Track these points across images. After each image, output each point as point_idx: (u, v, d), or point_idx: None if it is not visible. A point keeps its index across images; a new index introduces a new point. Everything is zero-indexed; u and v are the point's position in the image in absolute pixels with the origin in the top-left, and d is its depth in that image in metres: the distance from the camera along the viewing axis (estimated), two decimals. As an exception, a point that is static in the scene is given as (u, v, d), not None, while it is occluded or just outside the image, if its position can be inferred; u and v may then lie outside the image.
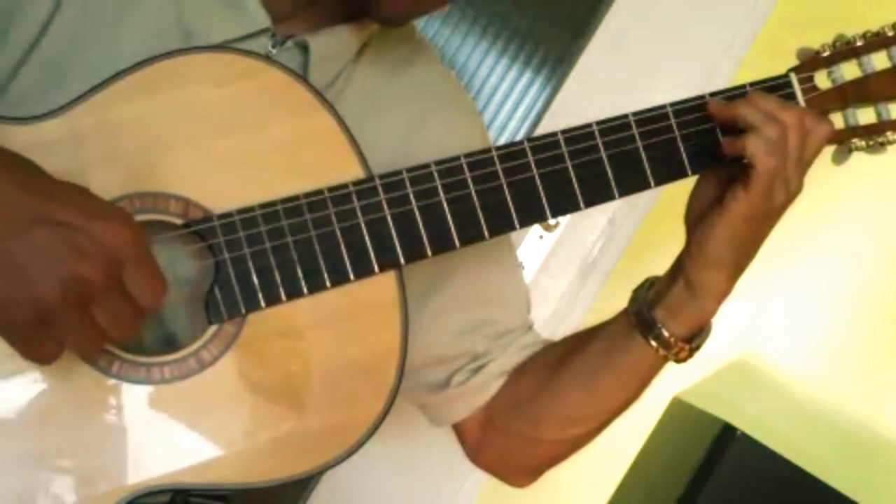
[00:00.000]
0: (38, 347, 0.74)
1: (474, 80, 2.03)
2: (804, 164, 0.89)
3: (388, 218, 0.86)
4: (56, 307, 0.71)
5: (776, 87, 0.92)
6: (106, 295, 0.73)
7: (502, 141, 1.97)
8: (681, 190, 0.95)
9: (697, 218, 0.92)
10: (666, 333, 0.93)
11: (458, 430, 1.08)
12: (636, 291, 0.98)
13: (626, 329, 0.96)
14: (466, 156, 0.88)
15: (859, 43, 0.91)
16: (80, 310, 0.72)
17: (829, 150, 0.93)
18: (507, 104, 2.03)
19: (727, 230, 0.89)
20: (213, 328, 0.84)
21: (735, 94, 0.91)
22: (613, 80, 1.74)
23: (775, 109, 0.87)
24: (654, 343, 0.94)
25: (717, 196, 0.90)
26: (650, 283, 0.97)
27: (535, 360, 1.05)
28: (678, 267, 0.93)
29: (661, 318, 0.94)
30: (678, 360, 0.96)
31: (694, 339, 0.94)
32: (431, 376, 1.05)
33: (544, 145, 0.89)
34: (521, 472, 1.08)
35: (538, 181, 0.88)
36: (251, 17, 0.92)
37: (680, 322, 0.93)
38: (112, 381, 0.81)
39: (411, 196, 0.86)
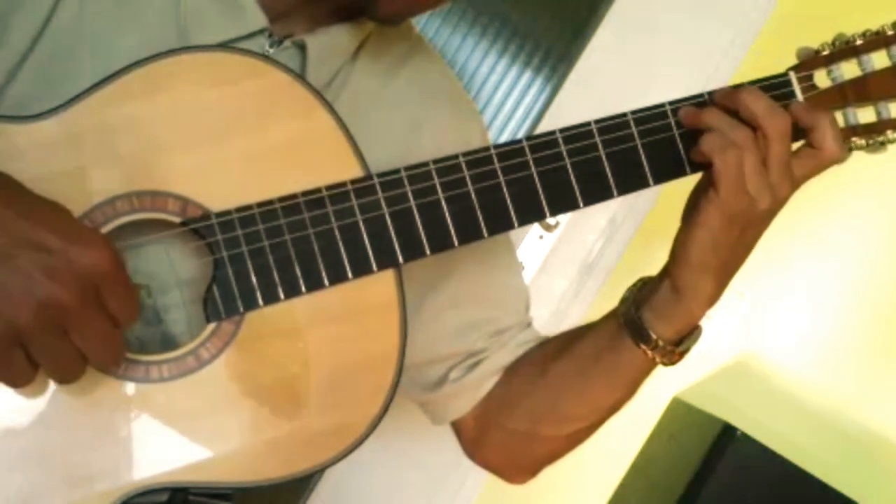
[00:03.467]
0: (9, 369, 0.73)
1: (474, 80, 2.03)
2: (781, 164, 0.86)
3: (387, 216, 0.86)
4: (30, 330, 0.71)
5: (775, 85, 0.91)
6: (81, 319, 0.73)
7: (502, 141, 1.97)
8: (681, 189, 0.95)
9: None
10: (653, 335, 0.92)
11: (456, 427, 1.08)
12: (627, 291, 0.97)
13: (615, 329, 0.95)
14: (465, 154, 0.87)
15: (859, 42, 0.91)
16: (55, 333, 0.72)
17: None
18: (507, 104, 2.03)
19: (704, 232, 0.87)
20: (212, 326, 0.83)
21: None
22: (613, 80, 1.74)
23: (745, 108, 0.86)
24: (642, 345, 0.93)
25: None
26: (642, 283, 0.96)
27: (527, 357, 1.04)
28: (665, 269, 0.92)
29: (647, 319, 0.92)
30: (666, 363, 0.94)
31: (682, 341, 0.93)
32: (429, 374, 1.05)
33: (543, 144, 0.88)
34: (520, 468, 1.08)
35: (537, 180, 0.88)
36: (248, 17, 0.92)
37: (666, 324, 0.92)
38: (111, 380, 0.81)
39: (409, 195, 0.86)
